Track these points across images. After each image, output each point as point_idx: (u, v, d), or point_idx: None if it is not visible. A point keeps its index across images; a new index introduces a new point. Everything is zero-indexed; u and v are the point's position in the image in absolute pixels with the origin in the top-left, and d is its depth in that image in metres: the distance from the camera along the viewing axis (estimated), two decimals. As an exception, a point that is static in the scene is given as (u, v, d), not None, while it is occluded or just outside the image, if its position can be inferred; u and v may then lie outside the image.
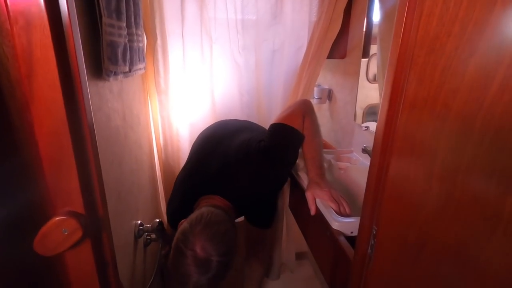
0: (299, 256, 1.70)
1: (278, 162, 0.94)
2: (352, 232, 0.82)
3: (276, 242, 1.50)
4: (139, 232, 1.07)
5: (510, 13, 0.29)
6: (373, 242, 0.57)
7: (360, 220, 0.59)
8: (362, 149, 1.08)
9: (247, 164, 0.93)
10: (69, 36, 0.38)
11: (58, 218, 0.41)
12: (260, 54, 1.33)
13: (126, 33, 0.81)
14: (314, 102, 1.52)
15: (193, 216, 0.80)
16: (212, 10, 1.28)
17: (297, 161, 1.05)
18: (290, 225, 1.51)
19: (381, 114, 0.48)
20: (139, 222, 1.08)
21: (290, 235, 1.54)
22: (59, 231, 0.42)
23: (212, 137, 1.10)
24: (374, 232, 0.56)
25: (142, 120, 1.24)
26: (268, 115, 1.42)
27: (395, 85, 0.44)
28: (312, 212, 0.92)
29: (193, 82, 1.35)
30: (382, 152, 0.49)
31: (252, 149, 0.95)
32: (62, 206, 0.42)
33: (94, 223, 0.45)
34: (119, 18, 0.75)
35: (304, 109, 1.01)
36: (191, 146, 1.16)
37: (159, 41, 1.26)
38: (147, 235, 1.16)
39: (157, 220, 1.10)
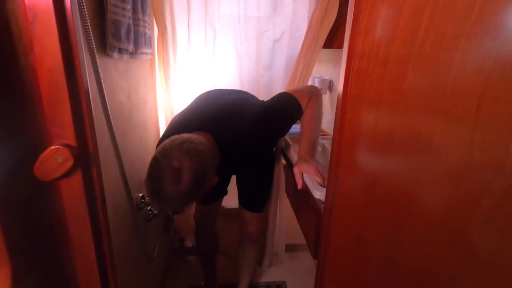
0: (290, 248, 1.71)
1: (270, 126, 0.96)
2: (334, 202, 0.86)
3: (269, 230, 1.54)
4: (140, 204, 1.15)
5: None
6: (335, 198, 0.61)
7: (327, 185, 0.63)
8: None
9: (241, 117, 0.94)
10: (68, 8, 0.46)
11: (54, 147, 0.49)
12: (261, 45, 1.40)
13: (130, 15, 0.90)
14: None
15: (175, 135, 0.81)
16: (216, 5, 1.37)
17: (290, 144, 1.09)
18: (283, 215, 1.53)
19: (342, 66, 0.53)
20: (141, 195, 1.16)
21: (282, 225, 1.56)
22: (54, 159, 0.49)
23: (210, 92, 1.15)
24: (335, 192, 0.60)
25: (148, 103, 1.34)
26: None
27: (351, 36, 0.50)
28: (299, 186, 0.96)
29: (197, 70, 1.44)
30: (342, 105, 0.54)
31: (250, 106, 0.98)
32: (58, 139, 0.50)
33: (85, 156, 0.52)
34: (124, 0, 0.85)
35: (313, 92, 1.03)
36: None
37: (169, 31, 1.36)
38: (149, 210, 1.24)
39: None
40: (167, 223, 1.25)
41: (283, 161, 1.36)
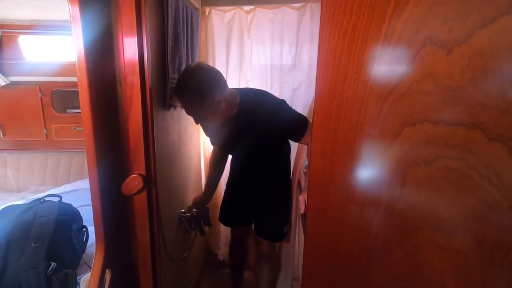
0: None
1: (283, 111, 1.28)
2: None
3: (289, 254, 1.73)
4: (181, 218, 1.48)
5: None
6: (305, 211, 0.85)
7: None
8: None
9: (266, 98, 1.31)
10: (147, 88, 0.82)
11: (133, 175, 0.84)
12: (283, 93, 1.72)
13: (183, 81, 1.29)
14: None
15: None
16: (248, 60, 1.74)
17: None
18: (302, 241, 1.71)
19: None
20: (182, 210, 1.50)
21: (301, 250, 1.73)
22: (133, 182, 0.84)
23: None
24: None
25: (194, 138, 1.72)
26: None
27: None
28: (301, 211, 1.20)
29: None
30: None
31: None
32: (136, 170, 0.85)
33: (149, 181, 0.87)
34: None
35: None
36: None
37: (210, 84, 1.76)
38: (188, 223, 1.57)
39: (194, 210, 1.50)
40: (201, 227, 1.57)
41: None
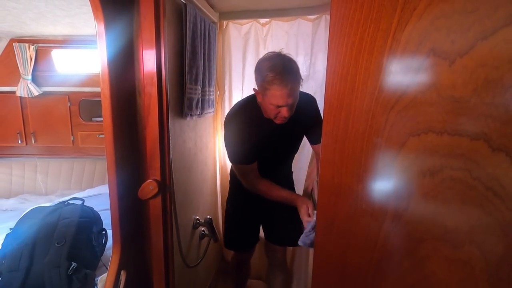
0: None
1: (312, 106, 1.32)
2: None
3: (301, 266, 1.71)
4: (195, 224, 1.51)
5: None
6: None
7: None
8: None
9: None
10: (164, 97, 0.87)
11: (149, 180, 0.88)
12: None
13: (200, 91, 1.34)
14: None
15: None
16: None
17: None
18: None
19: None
20: (197, 217, 1.54)
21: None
22: (148, 187, 0.88)
23: None
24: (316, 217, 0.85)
25: (209, 146, 1.77)
26: (302, 151, 1.77)
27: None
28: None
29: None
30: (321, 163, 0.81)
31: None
32: (151, 175, 0.90)
33: (164, 186, 0.90)
34: (196, 83, 1.29)
35: None
36: None
37: (226, 93, 1.81)
38: (202, 230, 1.60)
39: (208, 216, 1.53)
40: (215, 233, 1.58)
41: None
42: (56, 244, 1.17)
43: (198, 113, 1.37)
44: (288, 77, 1.03)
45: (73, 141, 2.40)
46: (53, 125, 2.37)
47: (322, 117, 1.28)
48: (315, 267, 0.84)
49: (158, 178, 0.89)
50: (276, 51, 1.14)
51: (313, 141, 1.36)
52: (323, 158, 0.77)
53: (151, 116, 0.86)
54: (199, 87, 1.34)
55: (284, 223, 1.45)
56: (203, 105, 1.42)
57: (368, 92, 0.62)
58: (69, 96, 2.31)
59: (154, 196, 0.89)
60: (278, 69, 1.03)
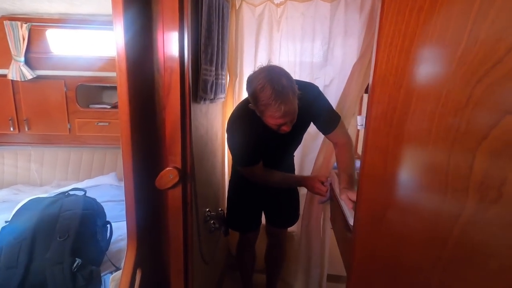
0: (332, 278, 1.77)
1: (320, 101, 1.25)
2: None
3: (311, 259, 1.66)
4: (206, 218, 1.42)
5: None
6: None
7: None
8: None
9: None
10: (187, 76, 0.77)
11: (168, 168, 0.78)
12: (313, 89, 1.64)
13: (214, 73, 1.23)
14: (358, 128, 1.73)
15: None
16: (277, 55, 1.68)
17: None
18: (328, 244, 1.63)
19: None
20: (207, 209, 1.44)
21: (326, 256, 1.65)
22: (167, 175, 0.78)
23: None
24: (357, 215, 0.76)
25: (219, 137, 1.66)
26: (315, 139, 1.68)
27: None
28: (351, 206, 1.10)
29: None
30: (365, 149, 0.72)
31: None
32: (171, 162, 0.80)
33: (185, 175, 0.80)
34: (211, 64, 1.18)
35: (350, 138, 1.31)
36: None
37: (237, 79, 1.70)
38: (212, 222, 1.51)
39: (220, 209, 1.44)
40: (226, 227, 1.53)
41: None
42: (58, 239, 1.07)
43: (212, 97, 1.26)
44: (282, 98, 1.01)
45: (69, 129, 2.26)
46: (48, 112, 2.23)
47: (327, 102, 1.25)
48: (355, 263, 0.75)
49: (179, 165, 0.79)
50: (264, 65, 1.13)
51: (326, 131, 1.31)
52: (370, 144, 0.68)
53: (172, 94, 0.75)
54: (213, 69, 1.23)
55: (285, 207, 1.54)
56: (216, 89, 1.31)
57: (442, 61, 0.53)
58: (65, 80, 2.16)
59: (174, 186, 0.79)
60: (270, 97, 1.01)
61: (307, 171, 1.75)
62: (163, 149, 0.79)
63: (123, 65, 0.68)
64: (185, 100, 0.77)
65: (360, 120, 1.71)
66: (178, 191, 0.81)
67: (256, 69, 1.13)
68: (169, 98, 0.76)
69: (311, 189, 1.31)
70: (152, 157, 0.80)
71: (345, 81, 1.58)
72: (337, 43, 1.58)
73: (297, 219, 1.61)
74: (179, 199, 0.81)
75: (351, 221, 1.01)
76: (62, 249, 1.05)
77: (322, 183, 1.26)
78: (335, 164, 1.49)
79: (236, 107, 1.33)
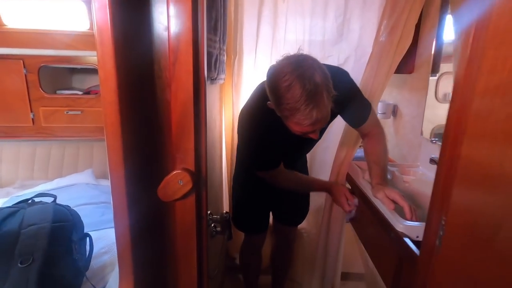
0: (346, 276, 1.66)
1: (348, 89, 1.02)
2: (417, 237, 0.82)
3: (324, 257, 1.52)
4: (208, 222, 1.20)
5: None
6: (441, 233, 0.58)
7: (428, 211, 0.61)
8: (430, 159, 1.07)
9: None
10: (202, 35, 0.52)
11: (176, 171, 0.55)
12: (325, 69, 1.42)
13: (218, 46, 0.98)
14: (378, 116, 1.54)
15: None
16: (282, 31, 1.44)
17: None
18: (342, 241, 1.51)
19: (453, 101, 0.52)
20: (209, 212, 1.21)
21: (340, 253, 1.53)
22: (176, 181, 0.55)
23: None
24: (443, 223, 0.57)
25: (217, 124, 1.42)
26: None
27: (467, 74, 0.49)
28: (392, 207, 0.92)
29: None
30: (453, 139, 0.52)
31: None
32: (180, 163, 0.56)
33: (199, 181, 0.57)
34: (215, 33, 0.93)
35: (381, 126, 1.12)
36: None
37: (237, 58, 1.45)
38: (214, 226, 1.28)
39: (225, 211, 1.22)
40: (231, 230, 1.32)
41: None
42: (19, 265, 0.80)
43: (214, 76, 1.02)
44: (315, 102, 0.78)
45: (33, 119, 1.92)
46: (5, 99, 1.86)
47: (358, 92, 0.99)
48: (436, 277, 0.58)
49: (191, 167, 0.56)
50: (290, 54, 0.85)
51: (356, 124, 1.10)
52: (472, 131, 0.49)
53: (181, 64, 0.51)
54: (218, 40, 0.98)
55: (295, 203, 1.43)
56: (219, 66, 1.07)
57: None
58: (23, 60, 1.79)
59: (185, 195, 0.56)
60: (299, 100, 0.78)
61: (318, 162, 1.57)
62: (167, 144, 0.55)
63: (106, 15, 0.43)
64: (199, 72, 0.53)
65: (382, 107, 1.53)
66: (191, 202, 0.58)
67: (280, 57, 0.86)
68: (176, 69, 0.51)
69: (335, 200, 1.14)
70: (152, 157, 0.56)
71: (363, 59, 1.38)
72: (354, 14, 1.37)
73: (307, 214, 1.49)
74: (192, 213, 0.59)
75: (399, 227, 0.84)
76: (25, 279, 0.79)
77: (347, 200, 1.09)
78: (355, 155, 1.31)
79: (251, 100, 1.07)
